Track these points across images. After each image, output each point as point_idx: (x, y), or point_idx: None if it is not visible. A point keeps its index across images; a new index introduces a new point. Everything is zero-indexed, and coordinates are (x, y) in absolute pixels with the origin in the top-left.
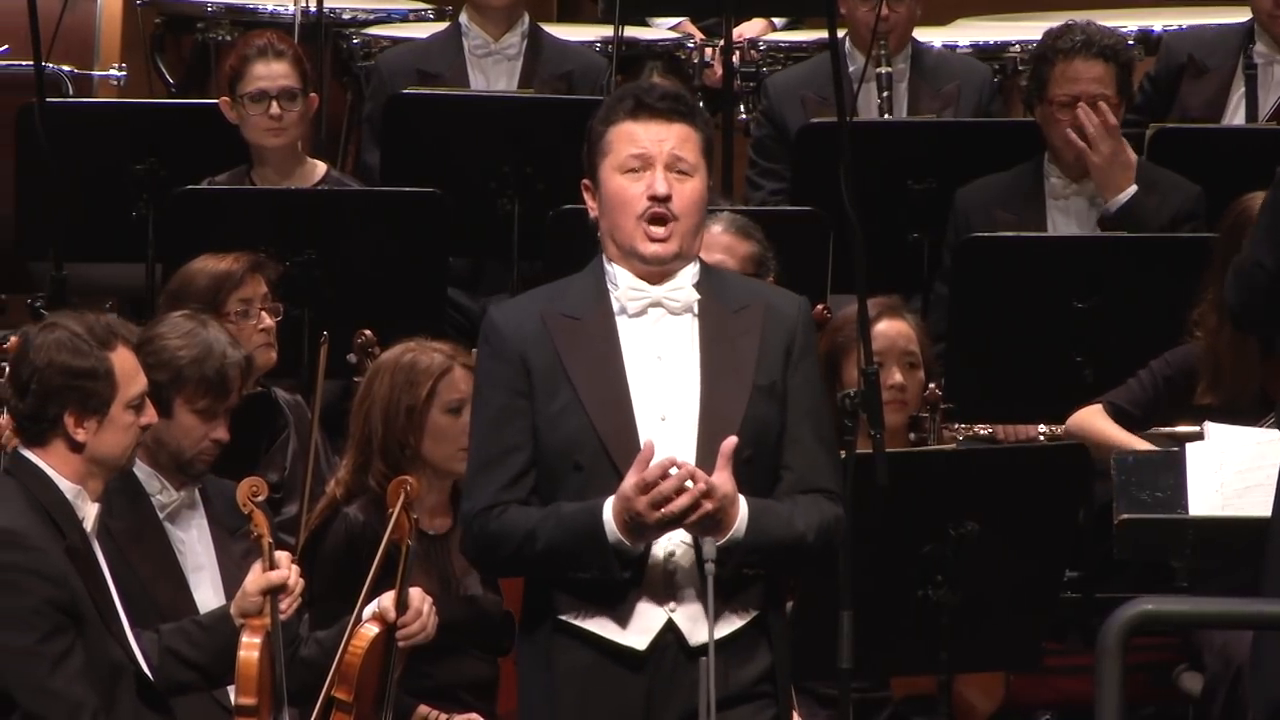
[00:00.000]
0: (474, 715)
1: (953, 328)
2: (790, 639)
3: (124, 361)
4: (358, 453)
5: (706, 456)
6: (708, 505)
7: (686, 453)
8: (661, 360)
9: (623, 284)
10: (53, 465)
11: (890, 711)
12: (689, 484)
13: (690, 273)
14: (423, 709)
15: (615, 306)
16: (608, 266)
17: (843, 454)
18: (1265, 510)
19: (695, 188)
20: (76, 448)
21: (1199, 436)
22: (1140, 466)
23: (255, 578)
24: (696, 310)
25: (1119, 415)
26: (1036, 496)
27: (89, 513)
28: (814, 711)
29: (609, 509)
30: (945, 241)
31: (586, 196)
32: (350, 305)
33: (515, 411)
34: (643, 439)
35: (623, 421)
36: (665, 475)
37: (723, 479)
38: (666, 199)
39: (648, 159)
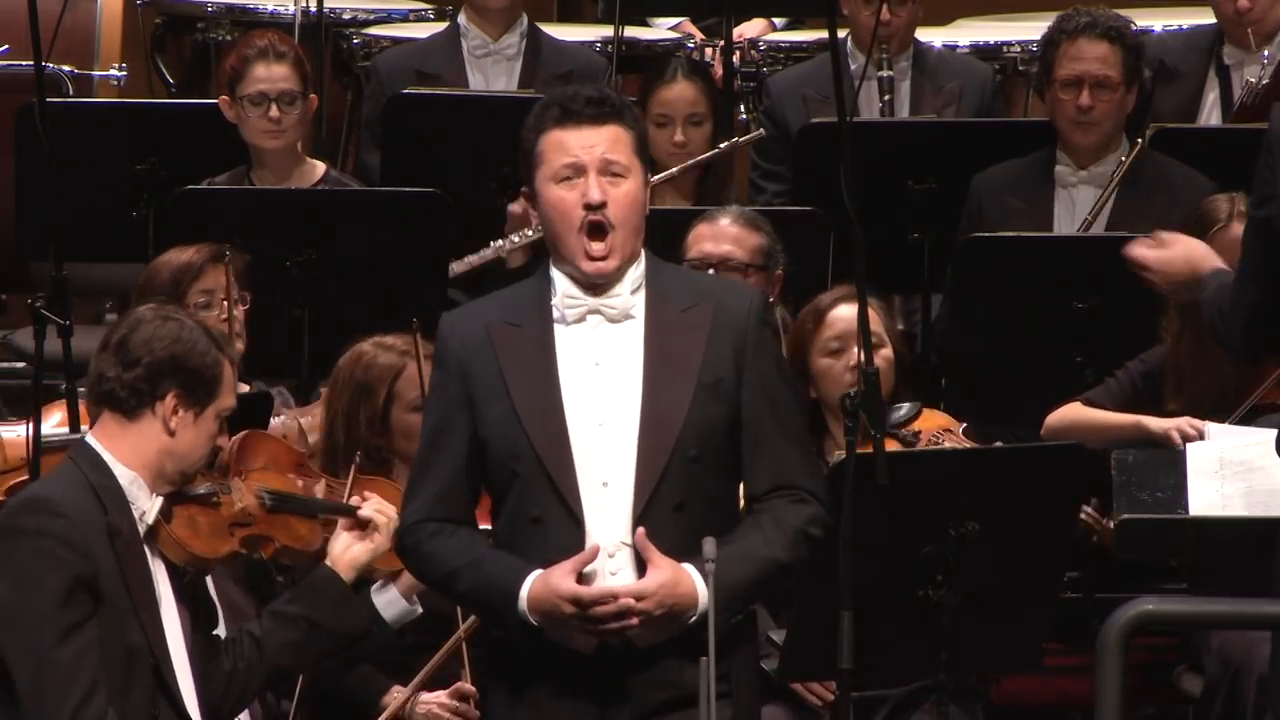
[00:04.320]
0: (440, 694)
1: (953, 328)
2: (788, 638)
3: (229, 371)
4: (327, 460)
5: (646, 461)
6: (633, 621)
7: (627, 457)
8: (599, 366)
9: (560, 291)
10: (115, 451)
11: (890, 710)
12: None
13: (631, 279)
14: (396, 689)
15: (555, 314)
16: (552, 272)
17: (843, 454)
18: (1265, 510)
19: (629, 191)
20: (162, 433)
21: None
22: (1140, 466)
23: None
24: (639, 313)
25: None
26: (1036, 496)
27: (148, 505)
28: (814, 711)
29: (527, 589)
30: (959, 227)
31: (527, 206)
32: (350, 305)
33: (451, 423)
34: (576, 446)
35: (555, 429)
36: (603, 600)
37: (653, 576)
38: (601, 205)
39: (579, 166)
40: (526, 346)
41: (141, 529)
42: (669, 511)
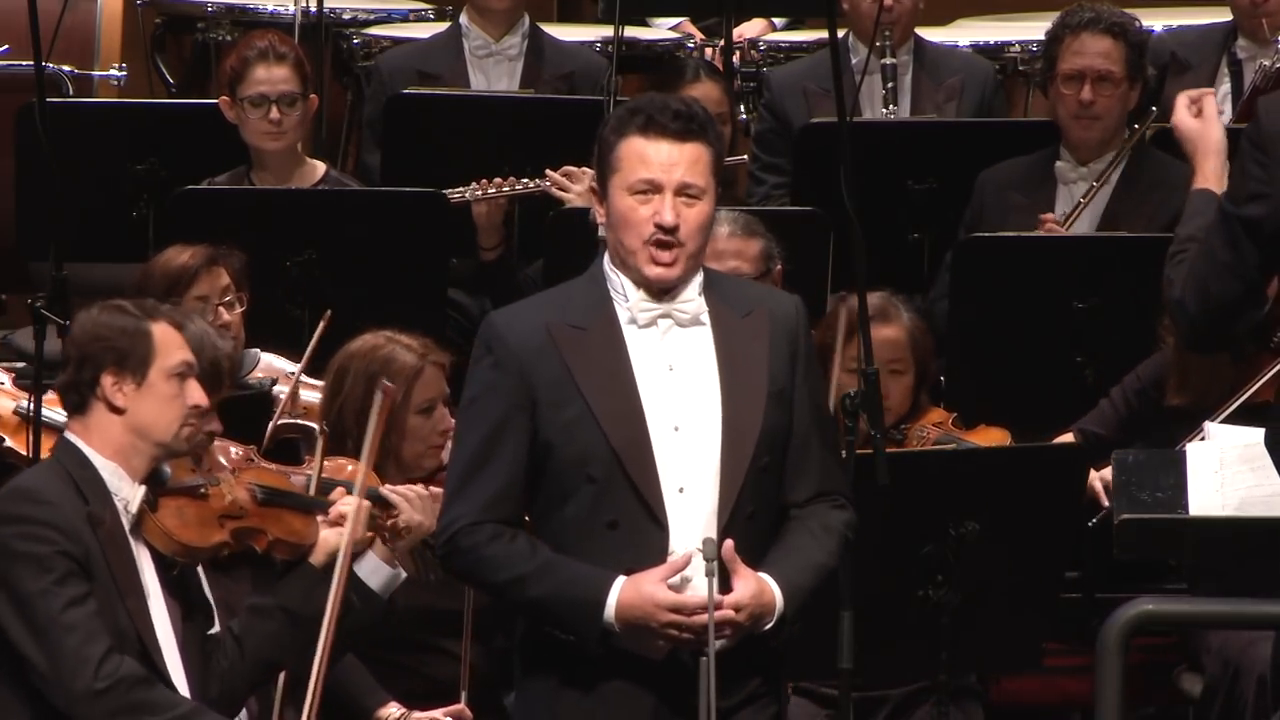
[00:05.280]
0: (435, 713)
1: (953, 328)
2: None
3: (164, 332)
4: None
5: (729, 466)
6: (728, 631)
7: (706, 462)
8: (673, 370)
9: (632, 297)
10: (93, 444)
11: (890, 710)
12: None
13: (697, 283)
14: (391, 705)
15: (623, 316)
16: (611, 274)
17: (843, 454)
18: (1265, 510)
19: (702, 211)
20: (115, 411)
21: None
22: (1140, 466)
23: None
24: (707, 319)
25: (1093, 441)
26: (1036, 496)
27: (129, 495)
28: (814, 712)
29: (616, 594)
30: (964, 221)
31: (594, 200)
32: (350, 305)
33: (512, 424)
34: (657, 450)
35: (636, 433)
36: (703, 609)
37: (744, 587)
38: (674, 229)
39: (657, 184)
40: (596, 349)
41: (126, 519)
42: (744, 520)
